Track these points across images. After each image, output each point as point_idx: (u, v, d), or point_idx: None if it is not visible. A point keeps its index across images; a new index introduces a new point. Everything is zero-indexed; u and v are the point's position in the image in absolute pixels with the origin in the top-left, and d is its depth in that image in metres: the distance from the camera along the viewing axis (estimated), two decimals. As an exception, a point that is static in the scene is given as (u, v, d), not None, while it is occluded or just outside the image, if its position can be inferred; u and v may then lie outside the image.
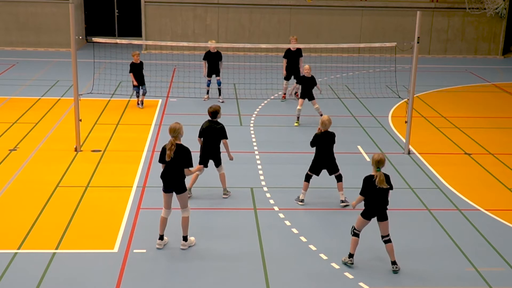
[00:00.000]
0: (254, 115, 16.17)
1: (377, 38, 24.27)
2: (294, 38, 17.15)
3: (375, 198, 8.58)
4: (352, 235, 8.85)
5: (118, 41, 13.97)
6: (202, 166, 10.07)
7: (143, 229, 9.76)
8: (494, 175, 12.49)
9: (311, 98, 15.19)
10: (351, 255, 8.87)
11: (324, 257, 9.09)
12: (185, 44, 14.39)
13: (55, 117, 15.46)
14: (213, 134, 10.68)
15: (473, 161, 13.29)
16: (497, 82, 21.03)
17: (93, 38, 14.02)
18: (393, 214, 10.34)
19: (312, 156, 10.84)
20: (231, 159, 10.94)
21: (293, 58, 17.09)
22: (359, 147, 13.90)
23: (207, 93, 17.44)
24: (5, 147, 13.25)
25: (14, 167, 12.18)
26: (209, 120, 10.76)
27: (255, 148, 13.67)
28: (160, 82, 18.44)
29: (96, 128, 14.72)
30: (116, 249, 9.16)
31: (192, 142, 10.52)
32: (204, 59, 17.06)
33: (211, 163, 10.93)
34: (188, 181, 10.20)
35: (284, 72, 17.33)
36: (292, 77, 17.19)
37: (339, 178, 10.80)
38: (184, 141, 9.11)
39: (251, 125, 15.33)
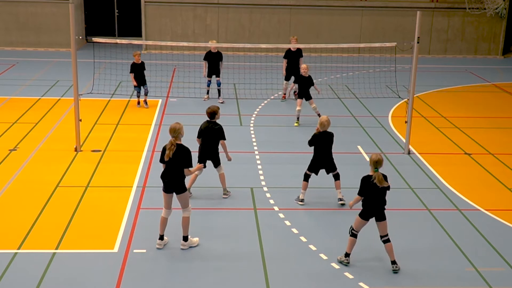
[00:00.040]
0: (254, 115, 16.17)
1: (377, 38, 24.28)
2: (295, 39, 17.14)
3: (373, 198, 8.59)
4: (350, 236, 8.86)
5: (118, 41, 13.97)
6: (202, 165, 10.06)
7: (143, 229, 9.76)
8: (494, 175, 12.49)
9: (308, 97, 15.19)
10: (347, 255, 8.89)
11: (324, 257, 9.10)
12: (185, 44, 14.38)
13: (55, 117, 15.46)
14: (211, 135, 10.69)
15: (473, 161, 13.29)
16: (497, 82, 21.03)
17: (93, 38, 14.02)
18: (393, 214, 10.35)
19: (312, 156, 10.85)
20: (229, 159, 10.94)
21: (293, 58, 17.09)
22: (359, 147, 13.90)
23: (207, 93, 17.43)
24: (5, 147, 13.25)
25: (14, 167, 12.18)
26: (207, 121, 10.76)
27: (255, 148, 13.68)
28: (160, 82, 18.44)
29: (96, 128, 14.72)
30: (116, 249, 9.16)
31: (192, 142, 10.53)
32: (204, 59, 17.06)
33: (209, 163, 10.93)
34: (187, 181, 10.20)
35: (284, 72, 17.34)
36: (292, 77, 17.19)
37: (336, 177, 10.83)
38: (184, 141, 9.11)
39: (251, 125, 15.34)
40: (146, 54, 23.74)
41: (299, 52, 17.13)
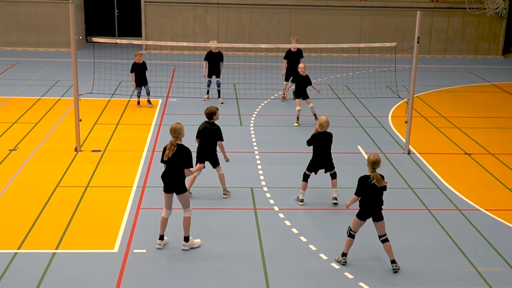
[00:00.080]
0: (254, 115, 16.17)
1: (377, 38, 24.28)
2: (295, 39, 17.13)
3: (370, 199, 8.59)
4: (348, 236, 8.86)
5: (118, 41, 13.96)
6: (202, 165, 10.05)
7: (143, 229, 9.76)
8: (494, 175, 12.49)
9: (305, 97, 15.19)
10: (344, 254, 8.90)
11: (324, 257, 9.10)
12: (185, 44, 14.38)
13: (55, 117, 15.46)
14: (209, 136, 10.68)
15: (473, 161, 13.29)
16: (497, 82, 21.03)
17: (93, 38, 14.01)
18: (393, 214, 10.36)
19: (311, 156, 10.84)
20: (227, 160, 10.94)
21: (293, 59, 17.05)
22: (359, 147, 13.90)
23: (207, 93, 17.43)
24: (5, 147, 13.25)
25: (14, 167, 12.18)
26: (205, 122, 10.76)
27: (255, 148, 13.68)
28: (160, 82, 18.44)
29: (96, 128, 14.72)
30: (116, 249, 9.16)
31: (192, 142, 10.54)
32: (205, 59, 17.05)
33: (208, 163, 10.92)
34: (187, 182, 10.20)
35: (283, 72, 17.34)
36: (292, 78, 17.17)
37: (333, 176, 10.84)
38: (184, 141, 9.11)
39: (251, 125, 15.34)
40: (146, 54, 23.73)
41: (299, 52, 17.10)
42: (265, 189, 11.50)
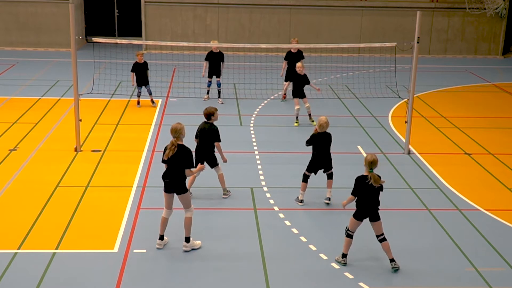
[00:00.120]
0: (254, 115, 16.17)
1: (377, 38, 24.28)
2: (295, 40, 17.12)
3: (367, 199, 8.59)
4: (346, 236, 8.87)
5: (118, 41, 13.96)
6: (203, 165, 10.03)
7: (143, 229, 9.77)
8: (494, 175, 12.50)
9: (302, 96, 15.19)
10: (344, 255, 8.90)
11: (324, 257, 9.10)
12: (185, 44, 14.38)
13: (55, 117, 15.46)
14: (206, 136, 10.68)
15: (473, 161, 13.29)
16: (497, 82, 21.03)
17: (93, 38, 14.01)
18: (393, 214, 10.37)
19: (311, 156, 10.84)
20: (224, 161, 10.95)
21: (293, 60, 17.01)
22: (359, 147, 13.90)
23: (207, 93, 17.43)
24: (5, 147, 13.25)
25: (14, 167, 12.18)
26: (204, 122, 10.77)
27: (255, 148, 13.68)
28: (160, 82, 18.44)
29: (96, 128, 14.73)
30: (116, 249, 9.16)
31: (192, 142, 10.54)
32: (206, 59, 17.04)
33: (206, 164, 10.93)
34: (186, 182, 10.19)
35: (282, 73, 17.33)
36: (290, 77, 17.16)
37: (330, 176, 10.84)
38: (184, 141, 9.11)
39: (251, 125, 15.34)
40: (146, 54, 23.70)
41: (299, 53, 17.09)
42: (265, 189, 11.50)
